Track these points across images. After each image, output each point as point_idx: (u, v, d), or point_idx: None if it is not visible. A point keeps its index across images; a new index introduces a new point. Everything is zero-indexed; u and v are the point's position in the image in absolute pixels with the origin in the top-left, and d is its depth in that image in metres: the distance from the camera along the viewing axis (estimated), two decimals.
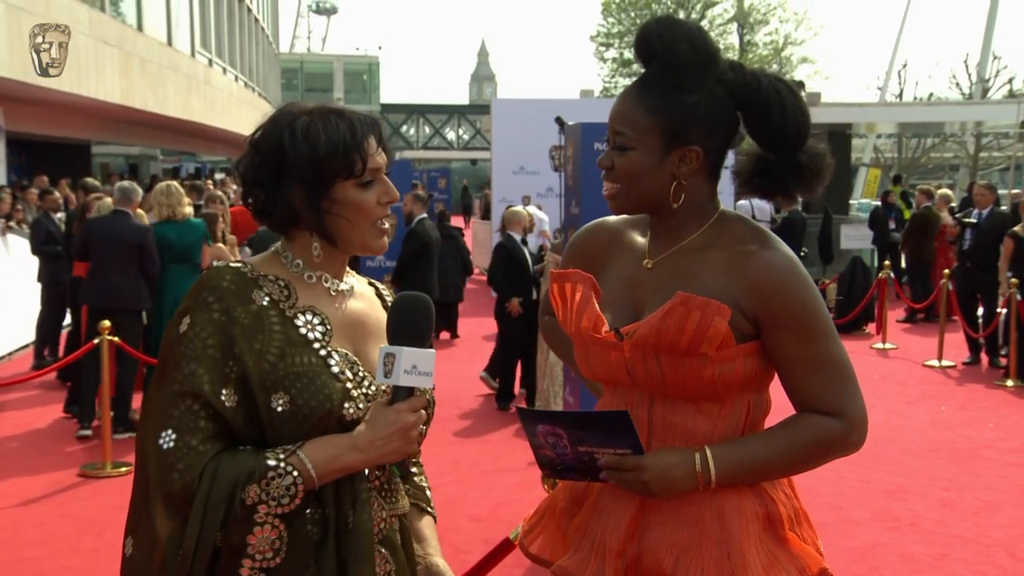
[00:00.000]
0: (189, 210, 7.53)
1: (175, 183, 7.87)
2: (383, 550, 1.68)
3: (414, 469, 1.90)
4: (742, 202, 11.26)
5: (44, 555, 4.81)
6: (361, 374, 1.66)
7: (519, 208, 8.73)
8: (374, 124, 1.68)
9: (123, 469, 6.11)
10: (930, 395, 8.54)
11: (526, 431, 1.90)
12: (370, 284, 1.84)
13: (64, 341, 8.67)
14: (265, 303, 1.61)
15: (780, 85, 1.82)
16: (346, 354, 1.66)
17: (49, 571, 4.63)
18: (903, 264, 13.40)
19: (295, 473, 1.53)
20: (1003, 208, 10.52)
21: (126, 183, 7.41)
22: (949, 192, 13.25)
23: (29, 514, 5.43)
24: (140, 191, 7.32)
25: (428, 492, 1.93)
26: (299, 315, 1.63)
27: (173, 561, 1.51)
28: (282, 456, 1.54)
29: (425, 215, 9.33)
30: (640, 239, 1.95)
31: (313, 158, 1.61)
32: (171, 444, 1.52)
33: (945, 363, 9.73)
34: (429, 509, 1.90)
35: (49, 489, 5.84)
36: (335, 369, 1.61)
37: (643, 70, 1.87)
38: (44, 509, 5.51)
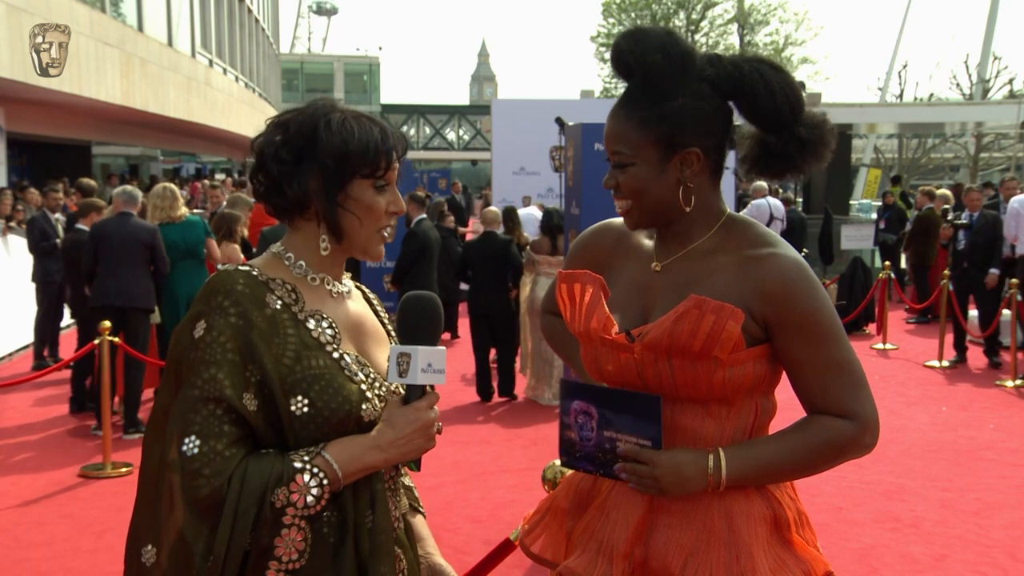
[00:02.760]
0: (184, 210, 7.73)
1: (171, 185, 8.02)
2: (396, 549, 1.69)
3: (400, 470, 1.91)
4: (759, 201, 11.22)
5: (44, 556, 4.81)
6: (372, 375, 1.67)
7: (495, 208, 9.21)
8: (402, 138, 1.73)
9: (123, 470, 6.11)
10: (931, 396, 8.54)
11: (561, 407, 1.93)
12: (357, 287, 1.85)
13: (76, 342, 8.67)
14: (278, 306, 1.62)
15: (762, 66, 1.82)
16: (356, 356, 1.67)
17: (49, 572, 4.63)
18: (903, 265, 13.40)
19: (321, 474, 1.54)
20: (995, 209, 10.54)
21: (128, 186, 7.60)
22: (948, 193, 13.24)
23: (29, 515, 5.43)
24: (140, 194, 7.52)
25: (415, 491, 1.95)
26: (309, 319, 1.64)
27: (203, 567, 1.50)
28: (307, 458, 1.55)
29: (424, 216, 9.33)
30: (647, 242, 1.95)
31: (342, 149, 1.64)
32: (196, 450, 1.51)
33: (946, 364, 9.73)
34: (420, 508, 1.92)
35: (49, 490, 5.84)
36: (348, 371, 1.63)
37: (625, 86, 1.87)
38: (44, 510, 5.51)
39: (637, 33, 1.83)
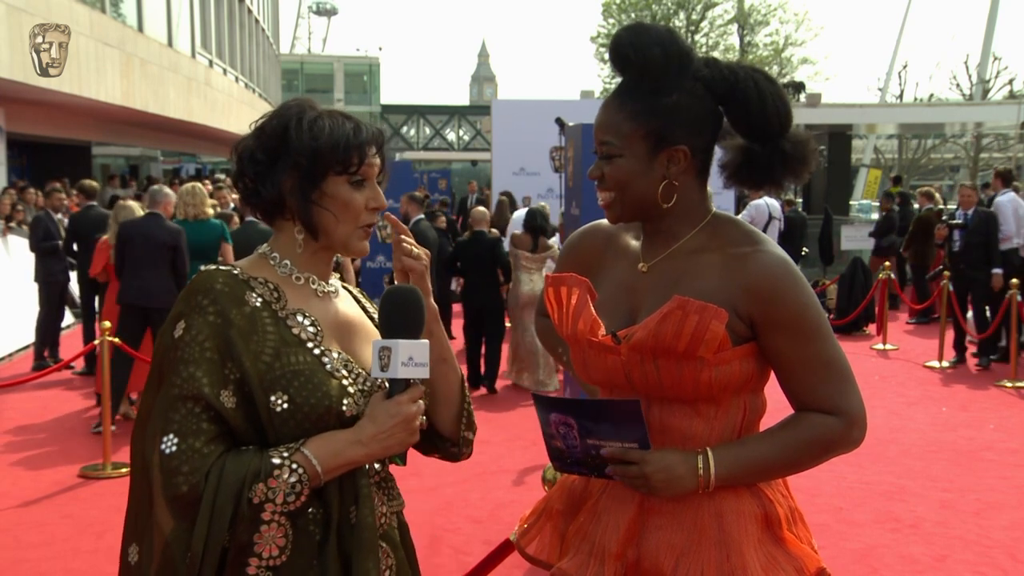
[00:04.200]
0: (210, 211, 7.86)
1: (199, 184, 8.14)
2: (384, 545, 1.69)
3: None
4: (758, 201, 11.22)
5: (44, 556, 4.81)
6: (356, 372, 1.67)
7: (483, 208, 9.53)
8: (379, 134, 1.72)
9: (123, 470, 6.10)
10: (930, 396, 8.54)
11: (540, 420, 1.91)
12: (344, 287, 1.85)
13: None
14: (258, 304, 1.62)
15: (757, 76, 1.83)
16: (340, 353, 1.67)
17: (49, 572, 4.63)
18: (907, 267, 13.39)
19: (300, 470, 1.54)
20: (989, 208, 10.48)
21: (155, 187, 7.77)
22: (933, 191, 13.28)
23: (29, 515, 5.42)
24: (170, 193, 7.63)
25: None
26: (290, 316, 1.64)
27: (182, 564, 1.51)
28: (286, 454, 1.54)
29: (422, 216, 9.37)
30: (634, 242, 1.96)
31: (313, 147, 1.63)
32: (174, 448, 1.52)
33: (946, 364, 9.73)
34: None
35: (49, 490, 5.84)
36: (329, 367, 1.63)
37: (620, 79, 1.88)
38: (44, 510, 5.51)
39: (639, 27, 1.84)
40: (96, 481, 6.00)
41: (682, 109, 1.80)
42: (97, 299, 8.94)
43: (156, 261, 7.05)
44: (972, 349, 9.96)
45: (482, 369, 8.67)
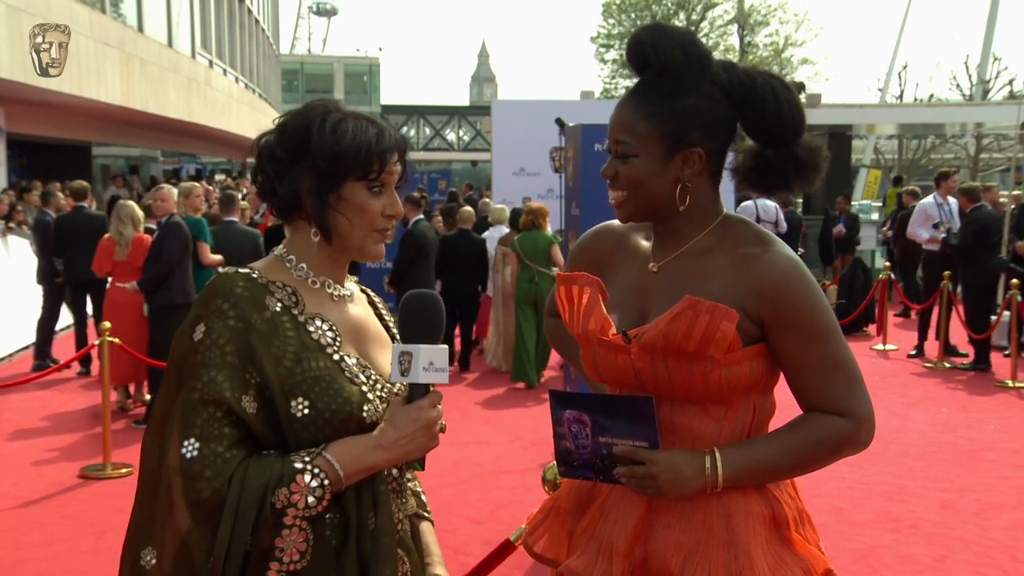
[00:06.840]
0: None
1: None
2: (399, 551, 1.68)
3: (408, 475, 1.90)
4: (747, 203, 11.22)
5: (44, 557, 4.81)
6: (374, 377, 1.67)
7: (468, 207, 10.50)
8: (402, 141, 1.70)
9: (123, 470, 6.11)
10: (931, 396, 8.54)
11: (553, 417, 1.91)
12: (362, 291, 1.85)
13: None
14: (278, 309, 1.61)
15: (774, 82, 1.84)
16: (358, 358, 1.67)
17: (49, 573, 4.63)
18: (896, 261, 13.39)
19: (322, 475, 1.53)
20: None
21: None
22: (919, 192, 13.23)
23: (29, 515, 5.42)
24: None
25: (423, 496, 1.94)
26: (309, 321, 1.64)
27: (203, 567, 1.50)
28: (308, 459, 1.54)
29: (421, 217, 9.42)
30: (644, 243, 1.96)
31: (335, 150, 1.62)
32: (195, 453, 1.51)
33: (946, 364, 9.72)
34: (427, 514, 1.91)
35: (49, 490, 5.84)
36: (349, 373, 1.62)
37: (637, 78, 1.88)
38: (44, 510, 5.51)
39: (659, 27, 1.84)
40: (96, 481, 6.00)
41: (699, 112, 1.81)
42: (90, 300, 8.93)
43: (188, 259, 7.42)
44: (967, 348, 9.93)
45: (457, 350, 9.58)
